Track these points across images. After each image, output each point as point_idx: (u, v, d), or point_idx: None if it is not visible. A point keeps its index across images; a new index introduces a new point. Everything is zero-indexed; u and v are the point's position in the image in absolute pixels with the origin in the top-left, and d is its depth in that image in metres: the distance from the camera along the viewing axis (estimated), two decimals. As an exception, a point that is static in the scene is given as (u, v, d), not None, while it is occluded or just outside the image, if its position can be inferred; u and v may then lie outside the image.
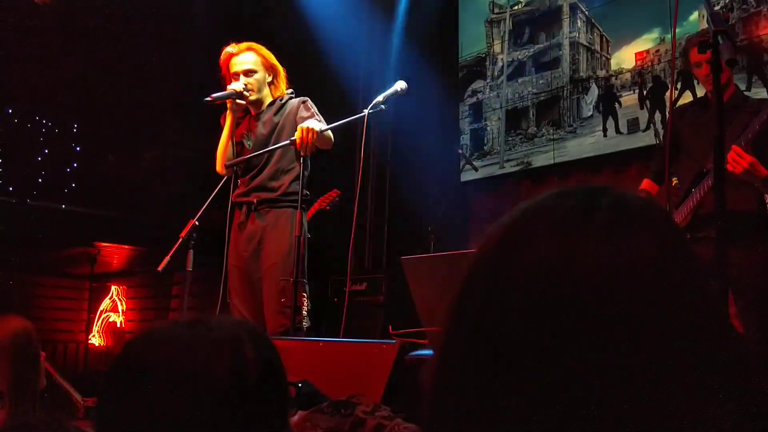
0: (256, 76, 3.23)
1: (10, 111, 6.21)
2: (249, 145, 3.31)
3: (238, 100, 3.21)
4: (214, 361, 0.80)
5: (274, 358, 0.87)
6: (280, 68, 3.34)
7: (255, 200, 3.21)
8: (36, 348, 1.72)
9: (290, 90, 3.39)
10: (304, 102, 3.29)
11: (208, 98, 3.09)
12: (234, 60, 3.25)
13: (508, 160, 5.58)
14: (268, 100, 3.31)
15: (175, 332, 0.82)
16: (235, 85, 3.18)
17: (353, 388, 1.59)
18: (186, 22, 5.83)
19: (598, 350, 0.48)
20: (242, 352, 0.82)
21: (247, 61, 3.23)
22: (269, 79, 3.28)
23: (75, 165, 6.44)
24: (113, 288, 7.69)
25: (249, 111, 3.34)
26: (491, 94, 5.79)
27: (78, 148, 6.48)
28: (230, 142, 3.30)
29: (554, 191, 0.56)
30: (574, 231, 0.52)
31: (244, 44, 3.27)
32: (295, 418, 1.30)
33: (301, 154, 3.03)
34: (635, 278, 0.50)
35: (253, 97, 3.25)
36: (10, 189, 6.21)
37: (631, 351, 0.48)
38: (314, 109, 3.27)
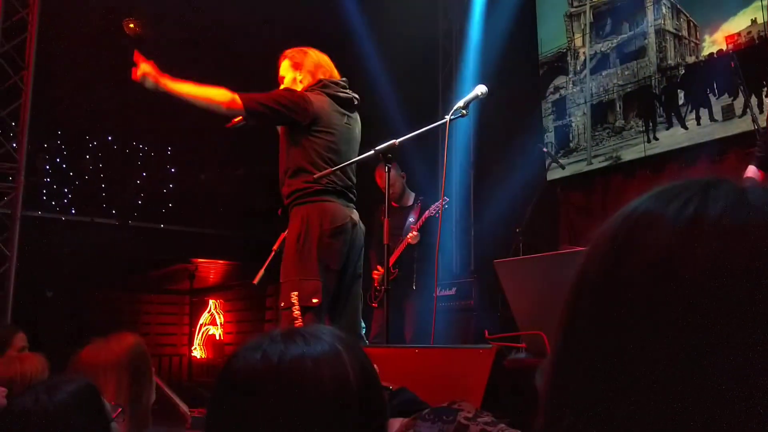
0: (285, 80, 3.25)
1: (110, 138, 6.58)
2: None
3: None
4: (318, 373, 0.81)
5: (368, 364, 0.88)
6: (306, 57, 3.25)
7: None
8: (149, 363, 1.80)
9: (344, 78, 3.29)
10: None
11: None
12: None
13: (595, 156, 5.42)
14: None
15: (274, 346, 0.84)
16: None
17: (451, 394, 1.58)
18: (267, 40, 5.99)
19: (715, 351, 0.47)
20: (342, 361, 0.84)
21: (281, 71, 3.27)
22: (300, 76, 3.24)
23: (171, 186, 6.75)
24: (211, 302, 7.98)
25: None
26: (574, 90, 5.65)
27: (173, 170, 6.80)
28: None
29: (665, 186, 0.55)
30: (686, 228, 0.50)
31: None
32: (397, 425, 1.30)
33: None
34: (753, 277, 0.47)
35: None
36: (113, 212, 6.57)
37: (751, 352, 0.46)
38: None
